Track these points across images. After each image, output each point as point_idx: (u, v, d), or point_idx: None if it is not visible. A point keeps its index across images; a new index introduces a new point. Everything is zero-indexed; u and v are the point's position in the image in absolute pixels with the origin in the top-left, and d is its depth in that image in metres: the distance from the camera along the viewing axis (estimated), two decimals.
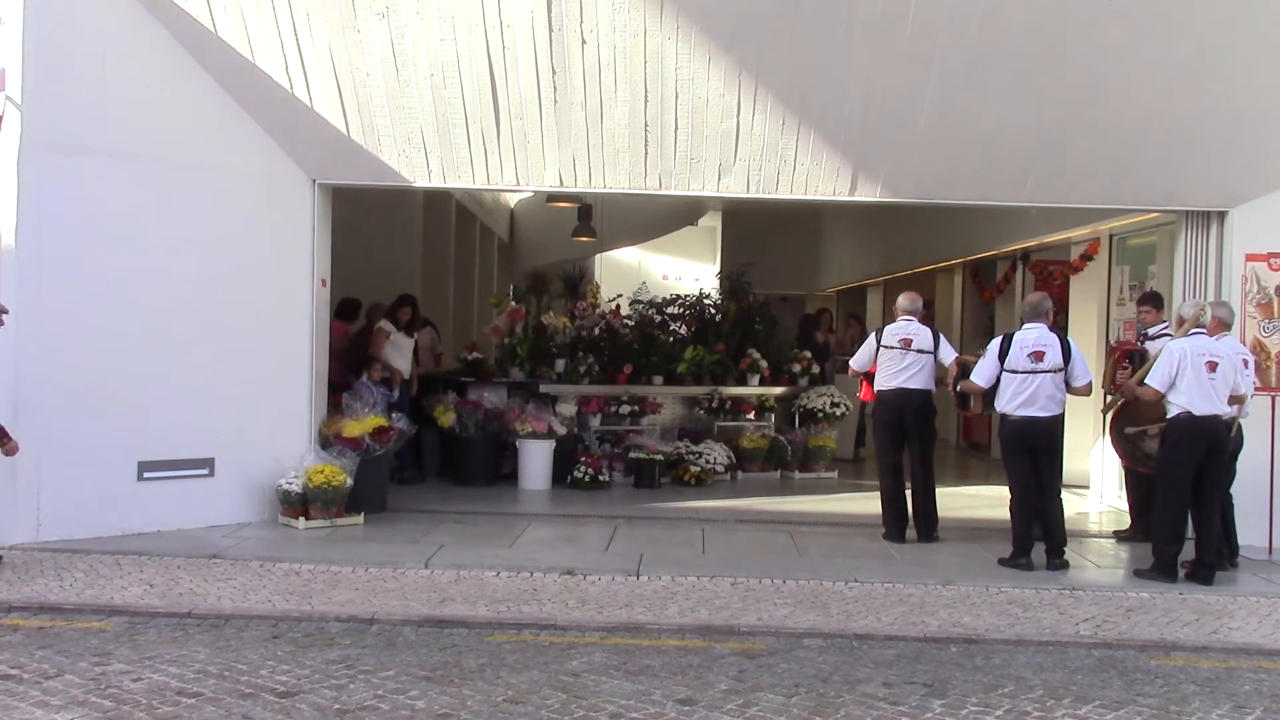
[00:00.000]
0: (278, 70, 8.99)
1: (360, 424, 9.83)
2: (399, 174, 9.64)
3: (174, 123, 9.04)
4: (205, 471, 9.23)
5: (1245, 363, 8.68)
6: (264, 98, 9.18)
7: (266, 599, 7.14)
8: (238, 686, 5.51)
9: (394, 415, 10.25)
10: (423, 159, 9.55)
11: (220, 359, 9.20)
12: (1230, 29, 8.52)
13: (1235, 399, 8.32)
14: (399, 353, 11.69)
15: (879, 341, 9.60)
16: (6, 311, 7.81)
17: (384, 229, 13.61)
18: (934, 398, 9.65)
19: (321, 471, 9.31)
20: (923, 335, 9.51)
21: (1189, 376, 8.15)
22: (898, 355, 9.46)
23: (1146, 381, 8.36)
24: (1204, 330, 8.42)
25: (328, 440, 9.78)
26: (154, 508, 8.90)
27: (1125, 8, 8.42)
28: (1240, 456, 8.92)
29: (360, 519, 9.56)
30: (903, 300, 9.80)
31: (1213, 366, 8.17)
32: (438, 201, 14.98)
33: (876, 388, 9.65)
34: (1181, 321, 8.55)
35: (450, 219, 15.92)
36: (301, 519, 9.26)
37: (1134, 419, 8.91)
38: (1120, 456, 9.59)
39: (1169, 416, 8.27)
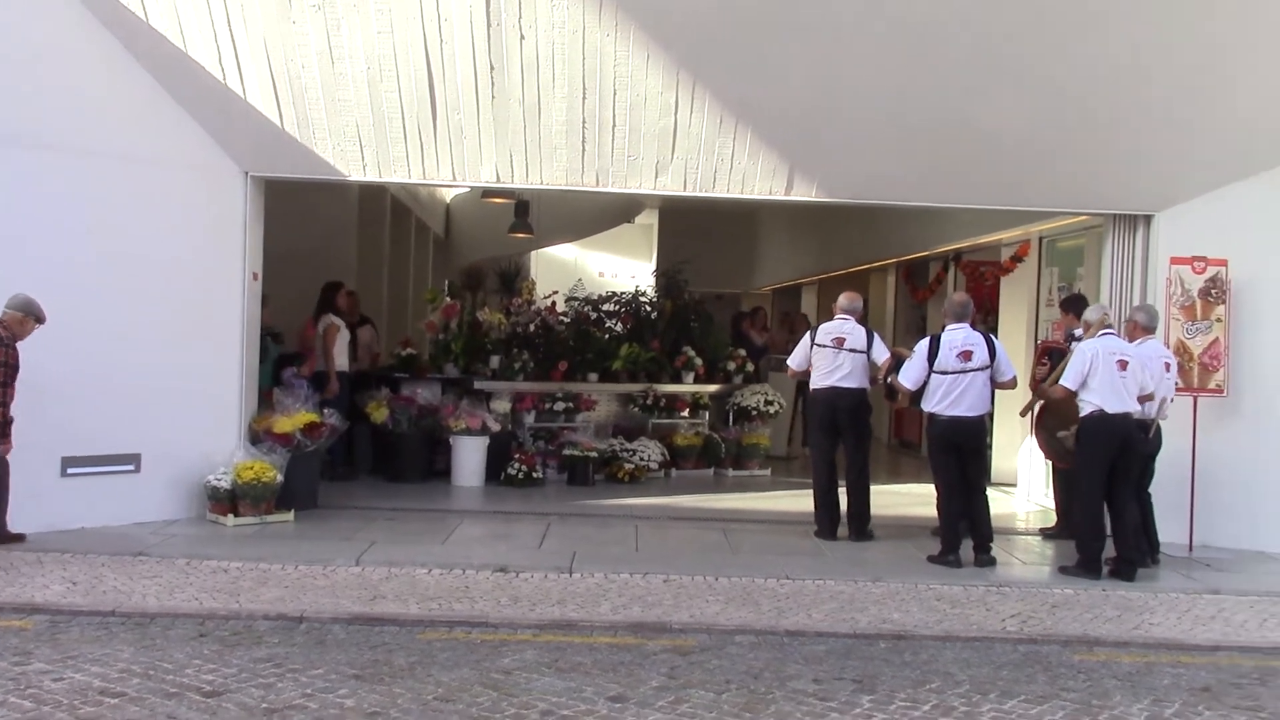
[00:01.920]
0: (211, 61, 8.86)
1: (291, 420, 9.73)
2: (333, 167, 9.55)
3: (103, 113, 8.90)
4: (131, 467, 9.09)
5: (1167, 366, 8.89)
6: (197, 89, 9.06)
7: (193, 597, 7.04)
8: (163, 686, 5.43)
9: (326, 411, 10.15)
10: (358, 153, 9.48)
11: (148, 353, 9.06)
12: (1158, 35, 8.69)
13: (1144, 398, 8.52)
14: (344, 345, 11.62)
15: (813, 340, 9.66)
16: (44, 320, 8.11)
17: (318, 223, 13.46)
18: (870, 396, 9.71)
19: (251, 468, 9.21)
20: (856, 334, 9.55)
21: (1100, 375, 8.36)
22: (830, 354, 9.51)
23: (1061, 381, 8.57)
24: (1113, 331, 8.69)
25: (258, 436, 9.67)
26: (78, 504, 8.75)
27: (1057, 12, 8.55)
28: (1160, 455, 9.12)
29: (290, 516, 9.46)
30: (842, 299, 9.85)
31: (1123, 365, 8.40)
32: (373, 196, 14.84)
33: (811, 386, 9.71)
34: (1088, 325, 8.81)
35: (385, 214, 15.77)
36: (230, 516, 9.14)
37: (1062, 418, 9.08)
38: (1045, 454, 9.76)
39: (1082, 415, 8.48)
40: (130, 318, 8.94)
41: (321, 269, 12.69)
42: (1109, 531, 8.55)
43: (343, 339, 11.62)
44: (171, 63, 8.87)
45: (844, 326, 9.59)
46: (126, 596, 6.99)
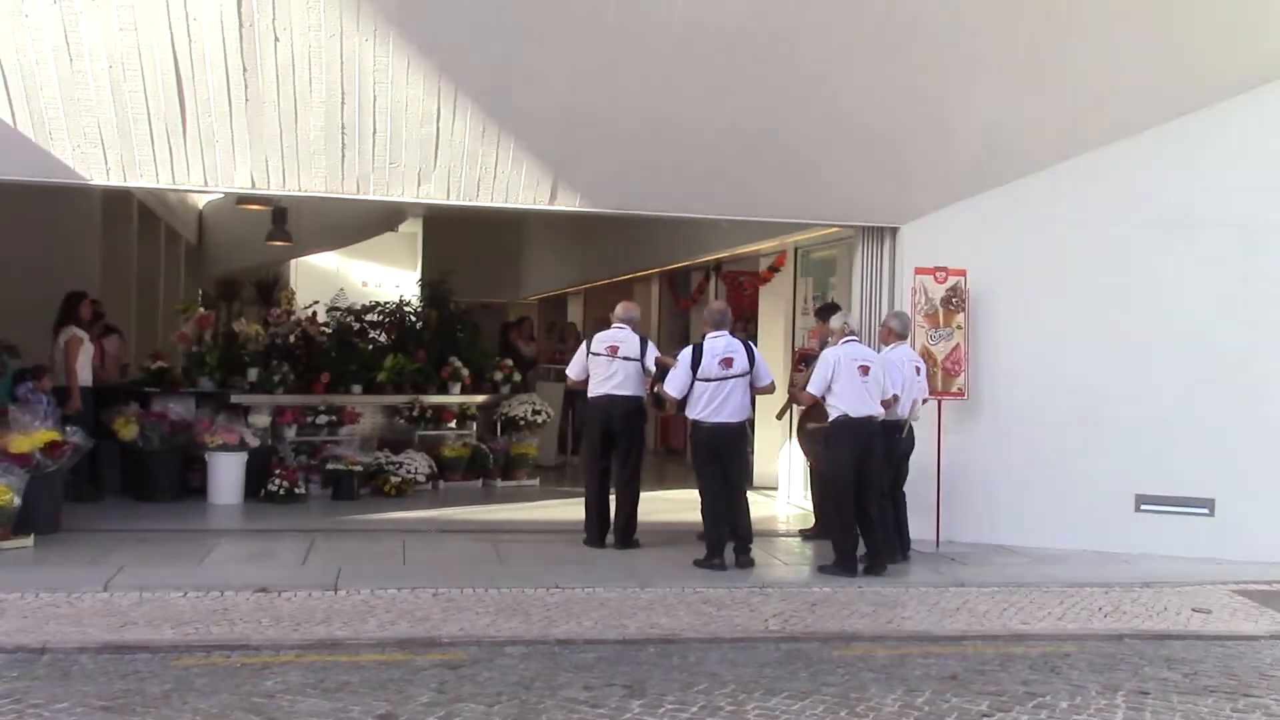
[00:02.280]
0: None
1: (30, 438, 9.11)
2: (72, 170, 9.01)
3: None
4: None
5: (917, 369, 9.39)
6: None
7: None
8: None
9: (69, 428, 9.58)
10: (100, 155, 8.97)
11: None
12: (901, 54, 9.15)
13: (887, 402, 8.96)
14: (87, 359, 11.00)
15: (589, 349, 9.71)
16: None
17: (57, 229, 12.71)
18: (644, 404, 9.81)
19: None
20: (630, 343, 9.62)
21: (844, 381, 8.76)
22: (605, 362, 9.58)
23: (806, 387, 8.99)
24: (856, 338, 9.12)
25: None
26: None
27: (805, 28, 8.88)
28: (911, 456, 9.60)
29: (30, 541, 8.87)
30: (619, 308, 9.97)
31: (865, 370, 8.81)
32: (118, 201, 14.13)
33: (588, 394, 9.73)
34: (832, 333, 9.23)
35: (132, 220, 15.03)
36: None
37: (818, 419, 9.46)
38: (806, 456, 10.13)
39: (829, 419, 8.84)
40: None
41: (62, 278, 11.97)
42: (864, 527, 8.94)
43: (86, 352, 11.00)
44: None
45: (618, 335, 9.68)
46: None
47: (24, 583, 7.67)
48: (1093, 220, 10.20)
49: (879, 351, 9.37)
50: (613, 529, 9.68)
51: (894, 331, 9.51)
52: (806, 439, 9.78)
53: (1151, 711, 5.88)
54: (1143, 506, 10.09)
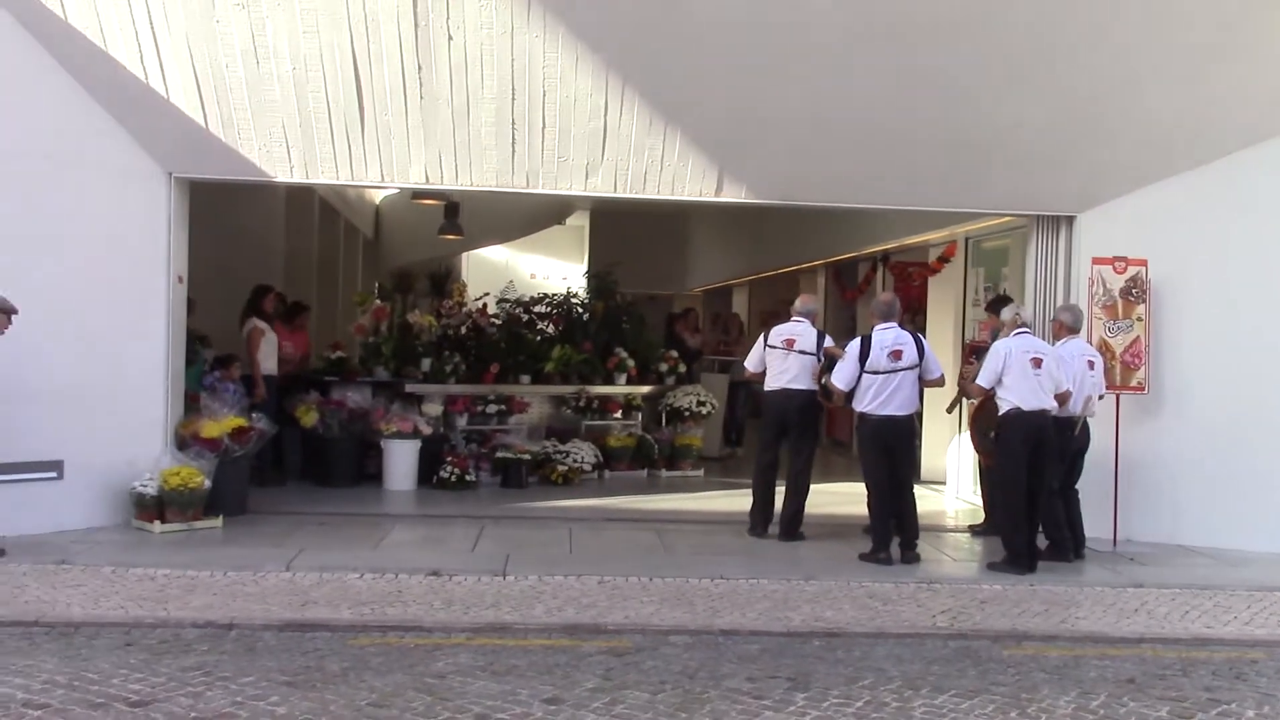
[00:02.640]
0: (132, 60, 8.70)
1: (219, 424, 9.58)
2: (259, 169, 9.42)
3: (21, 114, 8.70)
4: (54, 474, 8.88)
5: (1091, 364, 9.07)
6: (117, 89, 8.89)
7: (119, 605, 6.92)
8: (88, 697, 5.32)
9: (254, 415, 10.01)
10: (284, 153, 9.36)
11: (71, 358, 8.89)
12: (1078, 41, 8.85)
13: (1060, 396, 8.70)
14: (269, 350, 11.49)
15: (766, 342, 9.69)
16: (16, 312, 7.84)
17: (245, 225, 13.29)
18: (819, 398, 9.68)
19: (178, 473, 9.05)
20: (807, 337, 9.55)
21: (1015, 374, 8.53)
22: (780, 356, 9.54)
23: (977, 380, 8.80)
24: (1028, 330, 8.88)
25: (185, 441, 9.51)
26: None
27: (979, 17, 8.68)
28: (1087, 453, 9.30)
29: (219, 522, 9.32)
30: (797, 301, 9.96)
31: (1037, 363, 8.57)
32: (300, 197, 14.68)
33: (765, 387, 9.73)
34: (1004, 325, 9.01)
35: (314, 215, 15.60)
36: (157, 522, 8.98)
37: (992, 417, 9.23)
38: (978, 451, 9.91)
39: (1000, 413, 8.63)
40: (53, 322, 8.73)
41: (250, 272, 12.52)
42: (1033, 524, 8.71)
43: (269, 342, 11.48)
44: (92, 62, 8.70)
45: (795, 328, 9.63)
46: (50, 606, 6.85)
47: (213, 561, 8.05)
48: None
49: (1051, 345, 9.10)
50: (778, 520, 9.64)
51: (1065, 325, 9.22)
52: (979, 434, 9.56)
53: None
54: None
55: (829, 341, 9.67)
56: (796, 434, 9.59)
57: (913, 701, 5.66)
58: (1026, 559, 8.55)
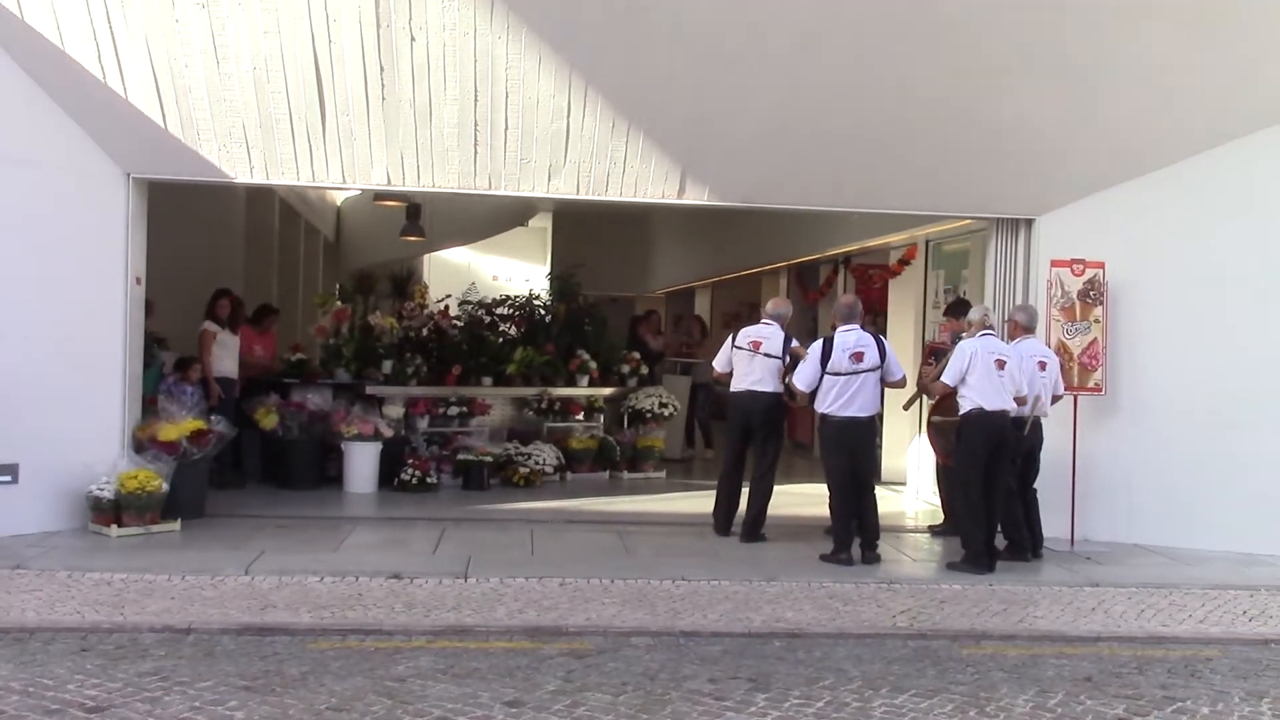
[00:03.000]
0: (90, 60, 8.62)
1: (177, 427, 9.50)
2: (219, 169, 9.35)
3: None
4: (8, 478, 8.77)
5: (1042, 365, 9.16)
6: (75, 88, 8.80)
7: (75, 610, 6.85)
8: (43, 703, 5.27)
9: (213, 418, 9.93)
10: (244, 154, 9.29)
11: (25, 360, 8.78)
12: (1033, 45, 8.94)
13: (1019, 399, 8.78)
14: (226, 352, 11.39)
15: (733, 342, 9.70)
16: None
17: (204, 225, 13.18)
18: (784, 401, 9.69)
19: (135, 477, 8.96)
20: (774, 340, 9.57)
21: (979, 374, 8.62)
22: (746, 357, 9.57)
23: (941, 378, 8.86)
24: (993, 331, 8.97)
25: (142, 444, 9.43)
26: None
27: (940, 23, 8.75)
28: (1045, 453, 9.39)
29: (177, 525, 9.23)
30: (770, 304, 10.03)
31: (1001, 364, 8.67)
32: (261, 198, 14.57)
33: (731, 388, 9.74)
34: (970, 324, 9.05)
35: (274, 216, 15.50)
36: (114, 526, 8.89)
37: (945, 413, 9.32)
38: (934, 447, 9.96)
39: (961, 412, 8.71)
40: (7, 324, 8.64)
41: (210, 274, 12.43)
42: (992, 524, 8.79)
43: (221, 345, 11.37)
44: (48, 61, 8.61)
45: (763, 330, 9.66)
46: (4, 611, 6.77)
47: (171, 565, 7.98)
48: (1239, 212, 9.81)
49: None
50: (740, 521, 9.67)
51: (1020, 325, 9.34)
52: (936, 432, 9.64)
53: None
54: None
55: (794, 342, 9.72)
56: (761, 436, 9.61)
57: (873, 701, 5.70)
58: (986, 558, 8.63)
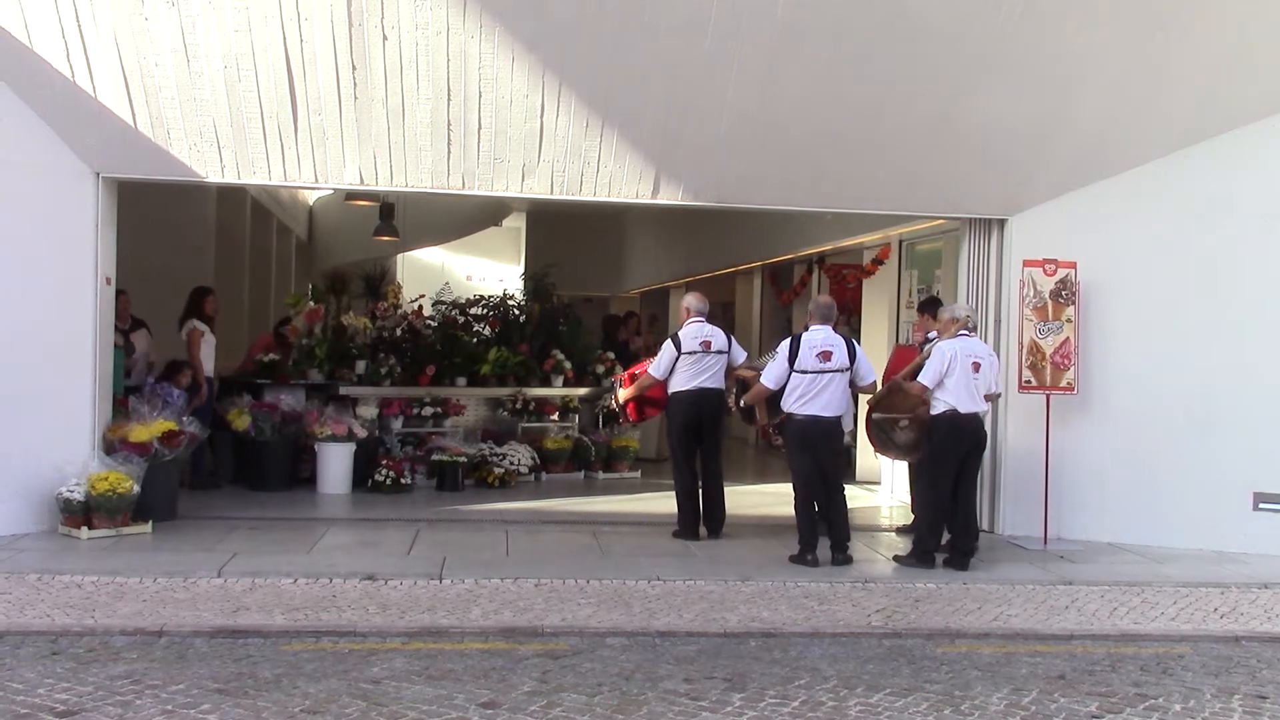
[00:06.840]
0: (58, 57, 8.54)
1: (148, 428, 9.43)
2: (190, 169, 9.28)
3: None
4: None
5: (976, 366, 9.13)
6: (43, 87, 8.72)
7: (44, 613, 6.78)
8: (13, 707, 5.22)
9: (185, 419, 9.86)
10: (215, 153, 9.23)
11: None
12: (1006, 47, 8.98)
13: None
14: (210, 351, 11.35)
15: (679, 349, 9.66)
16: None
17: (175, 225, 13.09)
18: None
19: (106, 478, 8.88)
20: (718, 336, 9.73)
21: (957, 376, 8.64)
22: (699, 358, 9.60)
23: (919, 379, 8.82)
24: (968, 332, 8.94)
25: (113, 446, 9.35)
26: None
27: (913, 23, 8.78)
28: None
29: (148, 527, 9.17)
30: (695, 302, 9.92)
31: (976, 367, 8.71)
32: (232, 198, 14.49)
33: (673, 389, 9.70)
34: (949, 323, 9.01)
35: (245, 216, 15.41)
36: (84, 528, 8.81)
37: (886, 408, 9.29)
38: (871, 443, 9.85)
39: (934, 413, 8.73)
40: None
41: (180, 274, 12.34)
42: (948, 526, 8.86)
43: (208, 344, 11.35)
44: (14, 58, 8.52)
45: (704, 329, 9.72)
46: None
47: (142, 567, 7.92)
48: (1210, 212, 9.87)
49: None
50: (707, 520, 9.73)
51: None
52: (871, 425, 9.50)
53: (1270, 715, 5.71)
54: (1261, 505, 9.74)
55: (733, 340, 9.80)
56: (712, 433, 9.72)
57: (848, 700, 5.71)
58: (933, 557, 8.72)
